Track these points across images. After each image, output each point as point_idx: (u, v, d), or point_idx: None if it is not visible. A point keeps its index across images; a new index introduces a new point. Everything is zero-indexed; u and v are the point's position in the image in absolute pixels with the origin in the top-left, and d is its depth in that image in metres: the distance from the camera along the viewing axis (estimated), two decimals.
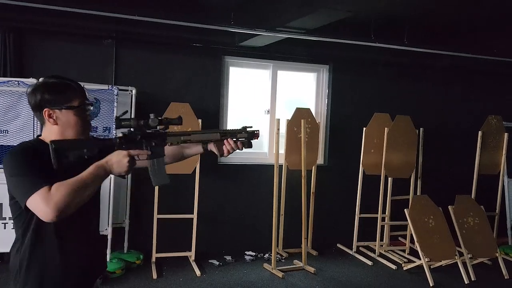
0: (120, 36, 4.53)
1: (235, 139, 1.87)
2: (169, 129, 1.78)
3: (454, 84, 5.98)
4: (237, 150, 1.90)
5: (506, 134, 5.54)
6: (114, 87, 4.22)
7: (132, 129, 1.72)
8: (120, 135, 1.71)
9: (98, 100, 4.16)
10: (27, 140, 1.77)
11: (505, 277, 4.68)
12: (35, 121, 4.01)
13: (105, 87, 4.18)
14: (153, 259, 4.54)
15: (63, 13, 3.83)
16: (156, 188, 4.42)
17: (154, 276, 4.26)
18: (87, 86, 3.85)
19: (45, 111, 1.64)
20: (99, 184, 1.59)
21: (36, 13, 4.03)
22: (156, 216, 4.52)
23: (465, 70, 5.86)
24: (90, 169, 1.56)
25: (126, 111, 1.84)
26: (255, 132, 1.88)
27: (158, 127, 1.73)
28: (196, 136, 1.84)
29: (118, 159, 1.60)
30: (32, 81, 4.02)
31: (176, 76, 4.79)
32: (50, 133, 1.68)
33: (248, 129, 1.88)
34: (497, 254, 4.78)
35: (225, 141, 1.85)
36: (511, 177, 5.70)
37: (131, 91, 4.41)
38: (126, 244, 4.55)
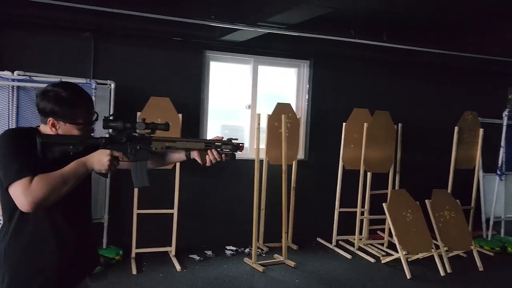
0: (99, 29, 4.44)
1: (219, 150, 1.87)
2: (155, 134, 1.79)
3: (433, 80, 6.08)
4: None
5: (481, 130, 5.66)
6: (93, 81, 4.15)
7: (118, 131, 1.73)
8: (107, 135, 1.73)
9: None
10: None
11: (480, 269, 4.80)
12: (9, 113, 3.93)
13: (83, 80, 4.10)
14: (133, 255, 4.51)
15: (40, 4, 3.75)
16: None
17: (134, 271, 4.23)
18: (65, 79, 3.78)
19: (49, 120, 1.66)
20: (79, 180, 1.61)
21: (12, 5, 3.93)
22: (135, 211, 4.48)
23: (443, 66, 5.95)
24: (71, 165, 1.60)
25: (114, 113, 1.86)
26: (240, 144, 1.91)
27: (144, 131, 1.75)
28: (181, 143, 1.86)
29: (99, 158, 1.64)
30: (6, 74, 3.93)
31: (156, 70, 4.73)
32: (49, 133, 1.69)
33: (233, 141, 1.90)
34: (472, 247, 4.90)
35: (209, 151, 1.87)
36: (486, 172, 5.83)
37: (110, 85, 4.34)
38: (105, 240, 4.49)
